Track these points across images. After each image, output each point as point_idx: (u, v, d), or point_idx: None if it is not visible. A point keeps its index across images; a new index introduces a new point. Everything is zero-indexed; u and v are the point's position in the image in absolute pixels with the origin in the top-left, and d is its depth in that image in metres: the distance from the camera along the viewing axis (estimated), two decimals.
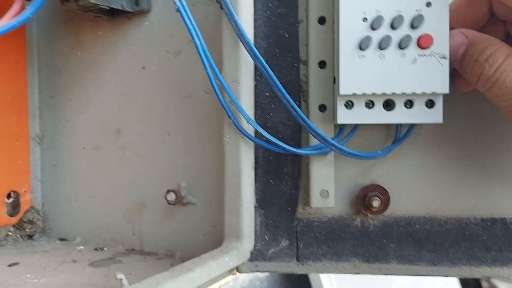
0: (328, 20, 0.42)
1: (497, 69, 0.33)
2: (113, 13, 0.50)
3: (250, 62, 0.42)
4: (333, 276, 1.14)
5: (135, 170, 0.52)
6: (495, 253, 0.42)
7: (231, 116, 0.41)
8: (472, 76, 0.35)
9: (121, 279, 0.37)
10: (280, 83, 0.40)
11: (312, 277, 1.16)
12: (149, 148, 0.51)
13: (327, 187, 0.42)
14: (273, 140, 0.40)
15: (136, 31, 0.51)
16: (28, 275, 0.45)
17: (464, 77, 0.37)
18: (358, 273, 0.43)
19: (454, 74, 0.40)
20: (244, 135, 0.41)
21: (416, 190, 0.43)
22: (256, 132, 0.42)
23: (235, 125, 0.41)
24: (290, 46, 0.44)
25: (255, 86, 0.43)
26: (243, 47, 0.40)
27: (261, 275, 1.13)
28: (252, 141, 0.41)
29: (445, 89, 0.37)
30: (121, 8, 0.48)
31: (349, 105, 0.39)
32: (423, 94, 0.37)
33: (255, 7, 0.43)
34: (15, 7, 0.42)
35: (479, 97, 0.41)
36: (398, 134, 0.41)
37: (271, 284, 1.16)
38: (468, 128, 0.42)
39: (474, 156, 0.42)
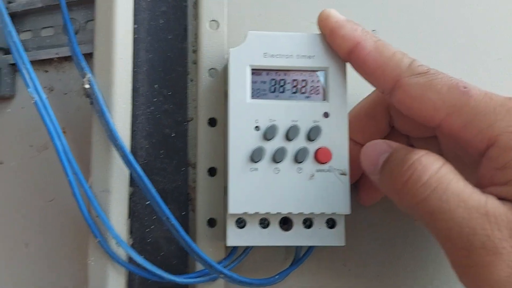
0: (220, 123, 0.37)
1: (434, 174, 0.25)
2: None
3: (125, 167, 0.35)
4: None
5: None
6: None
7: (97, 235, 0.33)
8: (396, 182, 0.27)
9: None
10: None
11: None
12: (1, 263, 0.41)
13: None
14: (146, 266, 0.32)
15: None
16: None
17: (382, 189, 0.29)
18: None
19: (358, 184, 0.36)
20: (112, 258, 0.33)
21: None
22: None
23: (101, 246, 0.33)
24: (178, 147, 0.38)
25: (133, 194, 0.36)
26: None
27: None
28: (122, 265, 0.33)
29: (346, 210, 0.32)
30: None
31: (241, 223, 0.33)
32: (323, 214, 0.32)
33: (136, 101, 0.37)
34: None
35: (388, 216, 0.38)
36: (297, 253, 0.36)
37: None
38: (374, 247, 0.38)
39: (383, 277, 0.38)
